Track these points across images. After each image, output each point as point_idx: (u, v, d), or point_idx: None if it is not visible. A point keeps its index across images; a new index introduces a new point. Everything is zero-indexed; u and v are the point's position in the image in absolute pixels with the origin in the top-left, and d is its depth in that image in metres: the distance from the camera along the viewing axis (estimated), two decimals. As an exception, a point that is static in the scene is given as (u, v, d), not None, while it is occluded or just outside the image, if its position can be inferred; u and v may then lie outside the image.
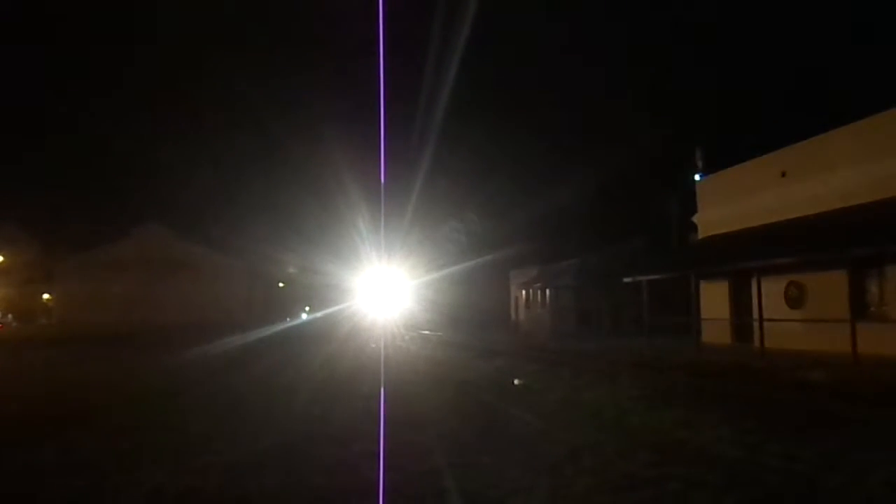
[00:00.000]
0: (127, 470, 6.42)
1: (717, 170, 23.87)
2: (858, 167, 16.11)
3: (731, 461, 6.39)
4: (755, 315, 17.69)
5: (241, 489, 5.79)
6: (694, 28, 57.77)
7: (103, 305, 46.40)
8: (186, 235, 51.18)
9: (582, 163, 59.20)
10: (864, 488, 5.40)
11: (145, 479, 6.07)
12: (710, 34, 59.99)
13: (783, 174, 19.12)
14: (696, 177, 26.43)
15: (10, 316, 52.02)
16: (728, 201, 21.73)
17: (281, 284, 59.25)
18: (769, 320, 17.16)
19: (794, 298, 17.84)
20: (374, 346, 24.84)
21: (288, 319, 48.87)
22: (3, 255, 51.47)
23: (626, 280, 23.08)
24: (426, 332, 36.16)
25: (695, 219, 24.18)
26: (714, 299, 21.06)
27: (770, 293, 17.65)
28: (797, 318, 17.14)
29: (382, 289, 42.52)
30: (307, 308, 58.45)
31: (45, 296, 55.44)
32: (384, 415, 9.01)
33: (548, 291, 35.53)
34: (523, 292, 40.41)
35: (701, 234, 23.65)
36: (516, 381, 13.43)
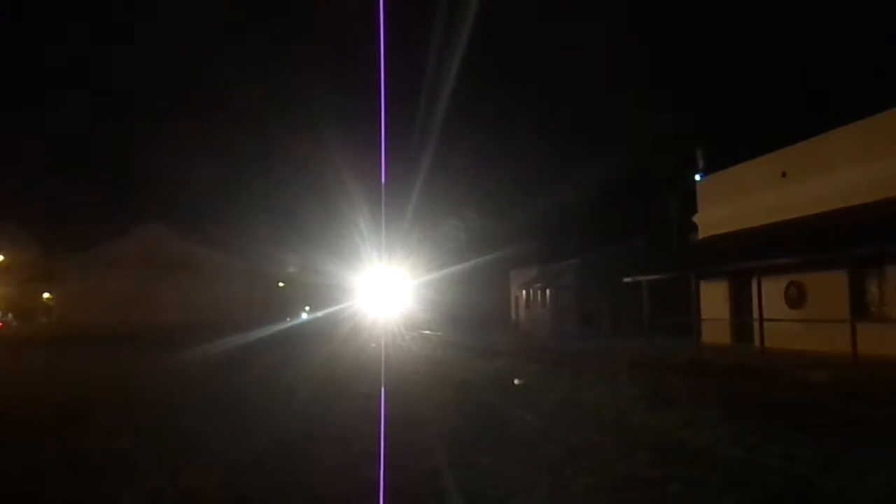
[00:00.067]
0: (127, 470, 6.42)
1: (717, 169, 23.87)
2: (859, 167, 16.11)
3: (731, 461, 6.40)
4: (755, 315, 17.69)
5: (242, 489, 5.79)
6: (694, 28, 57.76)
7: (103, 305, 46.38)
8: (187, 235, 51.19)
9: (582, 162, 59.34)
10: (865, 489, 5.40)
11: (145, 478, 6.08)
12: (710, 34, 60.01)
13: (783, 174, 19.12)
14: (697, 177, 26.43)
15: (10, 315, 52.04)
16: (728, 201, 21.73)
17: (281, 284, 59.26)
18: (769, 320, 17.16)
19: (794, 298, 17.84)
20: (374, 345, 24.85)
21: (288, 319, 48.89)
22: (4, 254, 51.50)
23: (627, 280, 23.07)
24: (426, 331, 36.17)
25: (695, 219, 24.18)
26: (714, 299, 21.07)
27: (770, 293, 17.66)
28: (797, 319, 17.13)
29: (383, 288, 42.54)
30: (307, 308, 58.47)
31: (45, 295, 55.46)
32: (384, 414, 9.02)
33: (548, 291, 35.51)
34: (523, 292, 40.40)
35: (701, 234, 23.65)
36: (516, 381, 13.44)
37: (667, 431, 7.86)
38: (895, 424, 8.52)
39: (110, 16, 70.30)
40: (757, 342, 17.33)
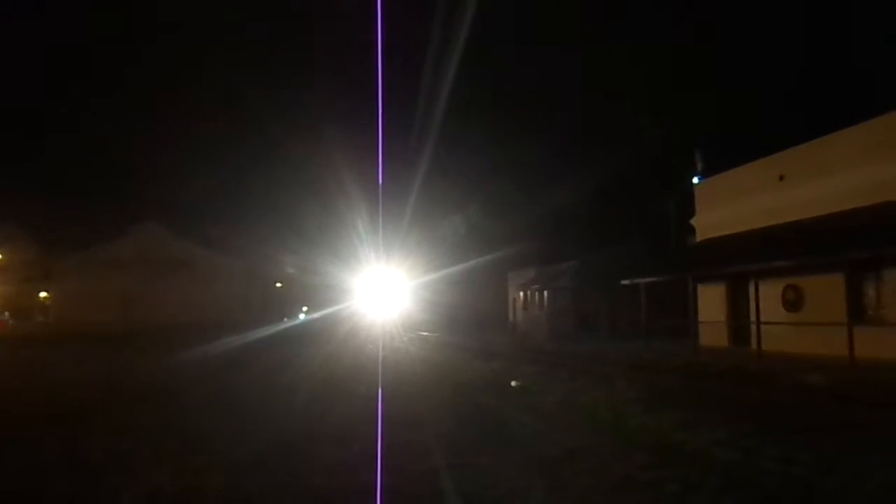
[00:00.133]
0: (127, 470, 6.44)
1: (716, 172, 23.91)
2: (856, 171, 16.15)
3: (728, 464, 6.42)
4: (753, 318, 17.73)
5: (242, 489, 5.81)
6: (694, 28, 57.88)
7: (101, 304, 46.32)
8: (184, 235, 51.15)
9: (580, 164, 59.36)
10: (862, 491, 5.43)
11: (145, 478, 6.09)
12: (711, 34, 60.12)
13: (781, 177, 19.16)
14: (695, 179, 26.48)
15: (7, 314, 51.97)
16: (726, 204, 21.77)
17: (279, 284, 59.21)
18: (766, 323, 17.21)
19: (792, 302, 17.88)
20: (371, 346, 24.84)
21: (285, 320, 48.84)
22: (2, 254, 51.43)
23: (624, 282, 23.11)
24: (424, 333, 36.19)
25: (693, 221, 24.22)
26: (712, 302, 21.11)
27: (767, 296, 17.70)
28: (794, 322, 17.18)
29: (381, 290, 42.53)
30: (305, 309, 58.41)
31: (43, 294, 55.39)
32: (382, 415, 9.03)
33: (546, 293, 35.54)
34: (521, 294, 40.42)
35: (699, 237, 23.69)
36: (513, 383, 13.45)
37: (664, 433, 7.88)
38: (892, 427, 8.56)
39: (109, 15, 70.24)
40: (754, 345, 17.37)
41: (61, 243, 50.91)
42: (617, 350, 20.60)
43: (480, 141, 59.22)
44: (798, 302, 17.74)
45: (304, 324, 46.60)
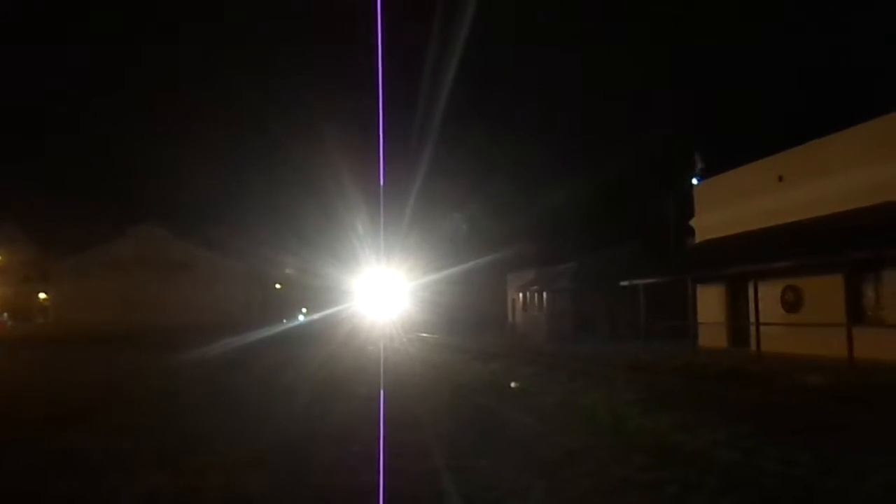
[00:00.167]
0: (127, 470, 6.44)
1: (715, 173, 23.93)
2: (856, 171, 16.16)
3: (728, 464, 6.43)
4: (752, 319, 17.74)
5: (242, 488, 5.82)
6: (694, 28, 57.91)
7: (100, 305, 46.33)
8: (184, 236, 51.15)
9: (580, 165, 59.45)
10: (861, 492, 5.44)
11: (145, 478, 6.10)
12: (711, 34, 60.16)
13: (780, 178, 19.18)
14: (694, 180, 26.51)
15: (6, 315, 51.95)
16: (725, 205, 21.79)
17: (278, 286, 59.20)
18: (766, 324, 17.22)
19: (791, 303, 17.89)
20: (371, 348, 24.85)
21: (285, 321, 48.82)
22: (1, 255, 51.40)
23: (623, 283, 23.12)
24: (424, 334, 36.20)
25: (692, 222, 24.24)
26: (711, 303, 21.12)
27: (767, 297, 17.71)
28: (794, 323, 17.20)
29: (380, 291, 42.51)
30: (304, 310, 58.39)
31: (42, 295, 55.37)
32: (383, 415, 9.04)
33: (545, 294, 35.55)
34: (520, 295, 40.43)
35: (698, 238, 23.71)
36: (513, 384, 13.45)
37: (663, 435, 7.88)
38: (891, 428, 8.57)
39: (109, 16, 70.32)
40: (753, 346, 17.38)
41: (61, 244, 50.93)
42: (616, 351, 20.60)
43: (480, 141, 59.29)
44: (797, 303, 17.75)
45: (304, 325, 46.57)
